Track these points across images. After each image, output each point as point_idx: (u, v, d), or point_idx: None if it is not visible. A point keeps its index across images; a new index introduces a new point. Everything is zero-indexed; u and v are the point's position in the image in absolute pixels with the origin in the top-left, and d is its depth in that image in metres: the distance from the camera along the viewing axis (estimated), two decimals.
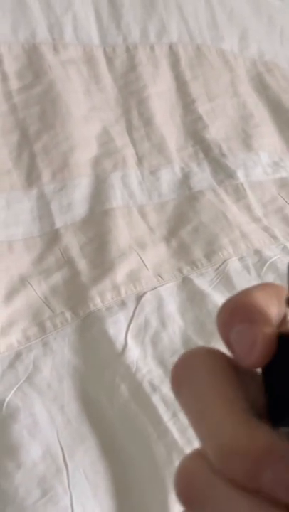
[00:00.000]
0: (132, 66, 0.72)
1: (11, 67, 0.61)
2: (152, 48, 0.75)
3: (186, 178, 0.69)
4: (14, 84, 0.61)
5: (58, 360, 0.47)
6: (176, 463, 0.41)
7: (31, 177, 0.57)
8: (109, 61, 0.70)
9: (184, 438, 0.42)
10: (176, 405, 0.44)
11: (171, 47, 0.77)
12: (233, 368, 0.14)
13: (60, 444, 0.41)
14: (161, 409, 0.44)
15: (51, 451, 0.40)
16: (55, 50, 0.65)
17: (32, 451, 0.40)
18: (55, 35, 0.67)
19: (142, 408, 0.44)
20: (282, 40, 0.95)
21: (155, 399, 0.45)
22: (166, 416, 0.43)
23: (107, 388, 0.46)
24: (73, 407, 0.44)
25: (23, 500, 0.37)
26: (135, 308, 0.53)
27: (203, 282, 0.58)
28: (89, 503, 0.39)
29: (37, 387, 0.44)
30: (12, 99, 0.60)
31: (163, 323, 0.52)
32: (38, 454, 0.40)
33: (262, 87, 0.85)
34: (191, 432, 0.43)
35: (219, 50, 0.82)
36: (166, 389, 0.46)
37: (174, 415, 0.43)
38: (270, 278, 0.60)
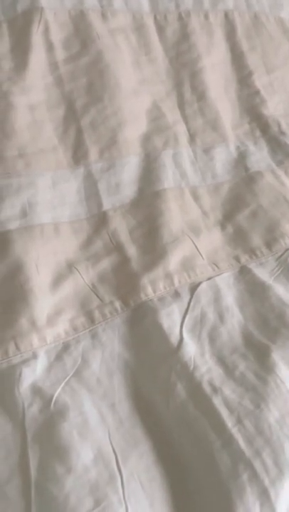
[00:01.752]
0: (184, 35, 0.66)
1: (57, 35, 0.57)
2: (206, 16, 0.68)
3: (242, 157, 0.63)
4: (60, 54, 0.56)
5: (107, 354, 0.43)
6: (244, 476, 0.36)
7: (78, 155, 0.53)
8: (160, 30, 0.65)
9: (252, 448, 0.37)
10: (240, 410, 0.39)
11: (226, 15, 0.70)
12: None
13: (112, 447, 0.37)
14: (224, 413, 0.39)
15: (103, 455, 0.37)
16: (104, 17, 0.60)
17: (83, 455, 0.36)
18: (104, 1, 0.62)
19: (202, 411, 0.39)
20: None
21: (216, 401, 0.40)
22: (230, 422, 0.38)
23: (162, 387, 0.41)
24: (125, 406, 0.40)
25: (74, 509, 0.33)
26: (190, 299, 0.48)
27: (263, 273, 0.52)
28: None
29: (86, 382, 0.41)
30: (58, 70, 0.56)
31: (221, 317, 0.47)
32: (90, 457, 0.36)
33: None
34: (259, 442, 0.38)
35: (278, 18, 0.75)
36: (229, 391, 0.41)
37: (239, 421, 0.39)
38: None
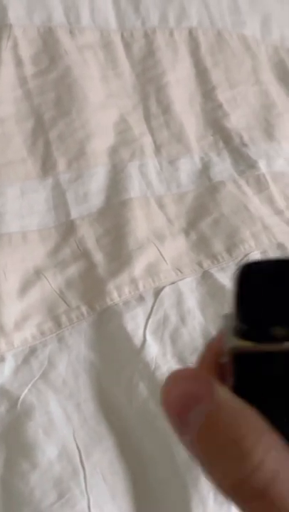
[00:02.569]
0: (150, 51, 0.69)
1: (26, 51, 0.59)
2: (171, 33, 0.72)
3: (205, 168, 0.66)
4: (29, 69, 0.59)
5: (73, 356, 0.45)
6: (198, 468, 0.39)
7: (46, 166, 0.55)
8: (127, 46, 0.68)
9: None
10: None
11: (190, 32, 0.74)
12: None
13: (76, 444, 0.39)
14: None
15: (67, 451, 0.39)
16: (72, 34, 0.63)
17: (48, 451, 0.38)
18: (72, 18, 0.64)
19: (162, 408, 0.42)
20: None
21: None
22: None
23: (125, 386, 0.44)
24: (90, 405, 0.42)
25: (39, 502, 0.35)
26: (154, 303, 0.51)
27: (224, 277, 0.55)
28: (107, 507, 0.37)
29: (52, 384, 0.43)
30: (27, 84, 0.58)
31: (183, 319, 0.50)
32: (54, 453, 0.38)
33: (285, 75, 0.82)
34: None
35: (241, 35, 0.79)
36: None
37: None
38: None
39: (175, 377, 0.15)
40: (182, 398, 0.14)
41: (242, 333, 0.14)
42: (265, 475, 0.13)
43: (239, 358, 0.14)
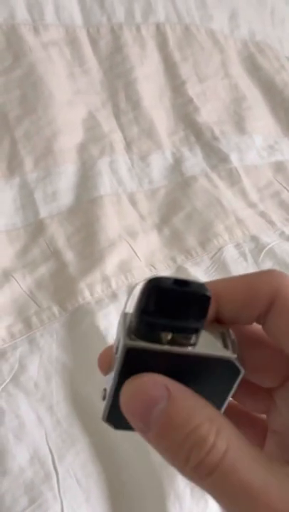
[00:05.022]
0: (117, 47, 0.68)
1: None
2: (138, 29, 0.71)
3: (177, 163, 0.66)
4: None
5: (45, 358, 0.44)
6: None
7: (12, 165, 0.54)
8: (94, 42, 0.67)
9: None
10: None
11: (158, 27, 0.73)
12: None
13: (49, 447, 0.38)
14: None
15: (39, 456, 0.38)
16: (36, 31, 0.62)
17: (18, 456, 0.37)
18: (35, 15, 0.63)
19: None
20: (274, 20, 0.92)
21: None
22: None
23: (99, 386, 0.43)
24: (62, 407, 0.41)
25: (9, 509, 0.34)
26: (127, 300, 0.50)
27: (198, 271, 0.55)
28: (81, 509, 0.36)
29: (23, 387, 0.42)
30: None
31: None
32: (26, 458, 0.37)
33: (254, 68, 0.82)
34: None
35: (208, 30, 0.79)
36: None
37: None
38: (268, 265, 0.58)
39: (133, 385, 0.17)
40: (142, 402, 0.16)
41: (137, 334, 0.17)
42: (217, 454, 0.15)
43: (129, 352, 0.17)
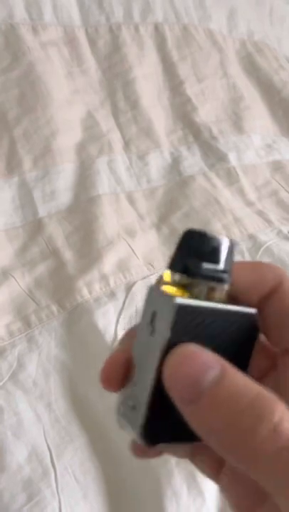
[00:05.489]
0: (115, 47, 0.68)
1: None
2: (137, 28, 0.71)
3: (175, 162, 0.66)
4: None
5: (44, 356, 0.44)
6: (171, 461, 0.39)
7: (11, 164, 0.54)
8: (92, 42, 0.67)
9: None
10: None
11: (156, 27, 0.73)
12: None
13: (47, 445, 0.39)
14: None
15: (37, 453, 0.38)
16: (34, 30, 0.62)
17: (17, 453, 0.37)
18: (34, 15, 0.63)
19: None
20: (272, 20, 0.92)
21: None
22: None
23: (97, 383, 0.43)
24: (61, 405, 0.41)
25: (7, 505, 0.35)
26: (125, 298, 0.50)
27: None
28: (79, 506, 0.36)
29: (22, 384, 0.42)
30: None
31: None
32: (24, 455, 0.37)
33: (252, 68, 0.82)
34: None
35: (207, 30, 0.79)
36: None
37: None
38: None
39: (180, 352, 0.16)
40: (193, 368, 0.15)
41: (179, 269, 0.17)
42: (286, 433, 0.13)
43: (179, 313, 0.16)
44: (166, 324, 0.16)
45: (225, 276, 0.17)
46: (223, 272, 0.17)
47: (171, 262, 0.18)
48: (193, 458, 0.19)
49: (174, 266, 0.18)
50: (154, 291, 0.18)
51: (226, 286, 0.18)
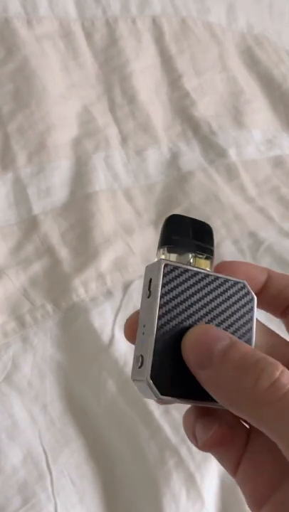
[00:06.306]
0: (112, 40, 0.67)
1: None
2: (134, 21, 0.70)
3: (174, 158, 0.65)
4: None
5: (39, 357, 0.43)
6: (170, 463, 0.38)
7: (5, 160, 0.53)
8: (88, 35, 0.66)
9: (178, 436, 0.39)
10: None
11: (154, 20, 0.72)
12: None
13: (42, 447, 0.38)
14: (152, 404, 0.40)
15: (33, 455, 0.37)
16: (29, 24, 0.61)
17: (11, 456, 0.36)
18: (29, 8, 0.62)
19: (131, 405, 0.41)
20: (272, 13, 0.90)
21: None
22: (157, 412, 0.40)
23: (93, 384, 0.42)
24: (57, 407, 0.41)
25: (2, 508, 0.34)
26: (122, 297, 0.49)
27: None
28: (75, 510, 0.35)
29: (16, 386, 0.41)
30: None
31: None
32: (19, 458, 0.37)
33: (252, 62, 0.81)
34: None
35: (206, 22, 0.78)
36: None
37: (166, 411, 0.40)
38: (266, 261, 0.57)
39: (197, 330, 0.19)
40: (208, 338, 0.18)
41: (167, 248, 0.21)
42: (285, 384, 0.16)
43: (165, 269, 0.19)
44: (157, 283, 0.19)
45: (208, 249, 0.21)
46: (206, 248, 0.20)
47: (159, 241, 0.21)
48: (215, 453, 0.21)
49: (162, 242, 0.21)
50: (149, 264, 0.20)
51: (210, 261, 0.20)
